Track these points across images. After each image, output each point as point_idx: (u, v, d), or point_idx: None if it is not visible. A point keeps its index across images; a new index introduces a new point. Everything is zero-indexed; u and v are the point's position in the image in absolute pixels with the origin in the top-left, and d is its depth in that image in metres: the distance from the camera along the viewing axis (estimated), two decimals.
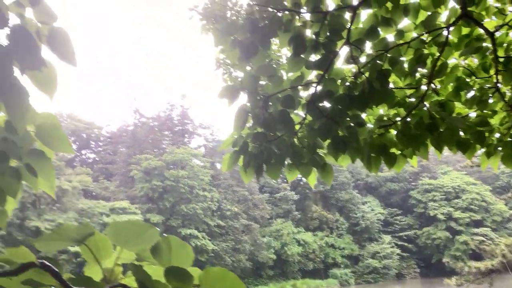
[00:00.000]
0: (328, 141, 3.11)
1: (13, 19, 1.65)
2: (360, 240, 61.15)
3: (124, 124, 57.93)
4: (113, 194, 46.76)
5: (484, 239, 53.44)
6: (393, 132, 3.47)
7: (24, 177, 2.08)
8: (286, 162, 3.28)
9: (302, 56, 2.93)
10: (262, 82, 2.96)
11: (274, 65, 2.82)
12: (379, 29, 2.96)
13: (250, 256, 48.22)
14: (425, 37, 3.09)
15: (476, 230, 59.04)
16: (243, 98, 3.01)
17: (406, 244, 62.66)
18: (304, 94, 3.11)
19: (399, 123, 3.42)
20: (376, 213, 63.72)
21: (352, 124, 3.13)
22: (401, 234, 64.01)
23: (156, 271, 1.30)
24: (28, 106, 1.62)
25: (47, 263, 1.13)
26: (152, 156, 45.90)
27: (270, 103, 2.97)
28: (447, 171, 67.63)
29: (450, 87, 3.41)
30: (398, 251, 60.25)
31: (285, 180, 64.59)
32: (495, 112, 3.58)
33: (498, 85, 3.31)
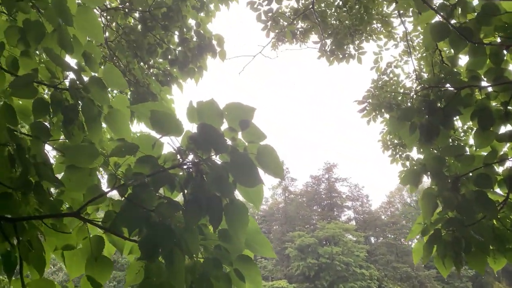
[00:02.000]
0: None
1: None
2: None
3: (275, 201, 60.34)
4: (271, 273, 47.52)
5: None
6: None
7: (233, 282, 2.25)
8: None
9: (490, 129, 2.67)
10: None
11: (461, 143, 2.62)
12: None
13: None
14: None
15: None
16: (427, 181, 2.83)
17: None
18: (500, 169, 2.77)
19: None
20: None
21: None
22: None
23: None
24: (247, 220, 1.79)
25: None
26: (304, 232, 46.02)
27: (461, 184, 2.71)
28: None
29: None
30: None
31: None
32: None
33: None
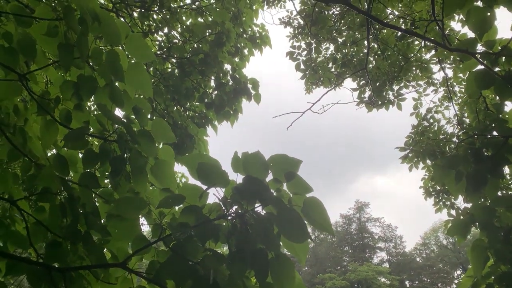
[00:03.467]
0: None
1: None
2: None
3: None
4: None
5: None
6: None
7: None
8: None
9: None
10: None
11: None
12: None
13: None
14: None
15: None
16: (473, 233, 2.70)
17: None
18: None
19: None
20: None
21: None
22: None
23: None
24: (294, 275, 1.75)
25: None
26: (335, 275, 44.32)
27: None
28: None
29: None
30: None
31: None
32: None
33: None
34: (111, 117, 1.92)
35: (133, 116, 2.00)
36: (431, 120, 5.62)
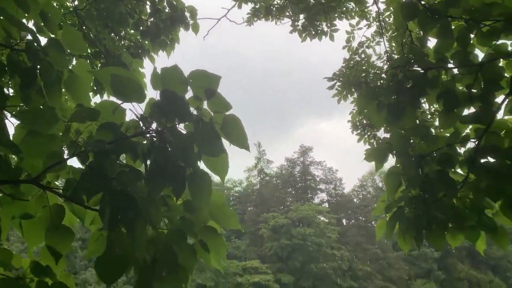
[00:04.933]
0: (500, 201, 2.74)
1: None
2: None
3: (250, 184, 60.77)
4: (245, 253, 48.19)
5: None
6: None
7: (198, 253, 2.25)
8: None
9: (454, 111, 2.73)
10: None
11: (427, 124, 2.68)
12: None
13: None
14: None
15: None
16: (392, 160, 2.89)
17: None
18: (461, 150, 2.86)
19: None
20: None
21: None
22: None
23: None
24: (210, 190, 1.79)
25: None
26: (279, 214, 46.66)
27: (424, 163, 2.78)
28: None
29: None
30: None
31: None
32: None
33: None
34: (16, 23, 1.75)
35: (42, 24, 1.83)
36: (363, 55, 5.78)
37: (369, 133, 5.51)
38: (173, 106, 1.72)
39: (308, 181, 58.29)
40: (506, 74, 2.65)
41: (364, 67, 5.15)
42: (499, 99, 2.77)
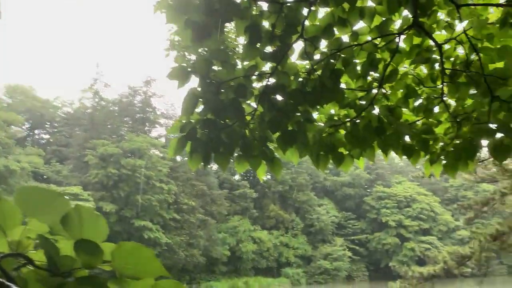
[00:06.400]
0: (278, 134, 3.12)
1: None
2: (314, 241, 62.39)
3: (83, 106, 55.81)
4: (66, 178, 44.97)
5: (430, 246, 56.21)
6: (343, 132, 3.53)
7: None
8: (236, 154, 3.26)
9: (257, 46, 2.91)
10: (215, 67, 2.92)
11: (229, 52, 2.79)
12: (335, 28, 3.00)
13: (204, 252, 47.95)
14: (378, 41, 3.16)
15: (423, 238, 61.96)
16: (195, 82, 2.95)
17: (357, 247, 64.58)
18: (258, 85, 3.11)
19: (348, 124, 3.49)
20: (331, 216, 65.22)
21: (302, 120, 3.17)
22: (353, 237, 65.88)
23: (68, 246, 1.23)
24: None
25: None
26: (110, 142, 44.53)
27: (223, 90, 2.93)
28: (401, 180, 70.27)
29: (400, 93, 3.51)
30: (350, 254, 61.97)
31: (245, 177, 64.78)
32: (440, 122, 3.73)
33: (444, 96, 3.45)
34: None
35: None
36: None
37: (181, 52, 5.50)
38: None
39: (148, 113, 56.77)
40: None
41: None
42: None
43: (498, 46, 3.04)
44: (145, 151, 44.95)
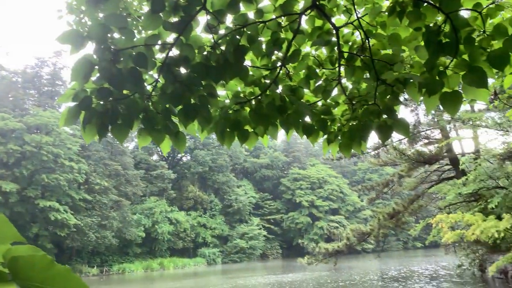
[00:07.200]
0: (180, 107, 3.07)
1: None
2: (231, 221, 63.61)
3: None
4: None
5: (338, 225, 60.66)
6: (248, 109, 3.60)
7: None
8: (138, 127, 3.15)
9: (160, 14, 2.81)
10: (116, 35, 2.76)
11: (132, 20, 2.65)
12: (241, 4, 3.00)
13: (118, 233, 46.25)
14: (282, 20, 3.24)
15: (332, 217, 66.60)
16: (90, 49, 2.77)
17: (272, 226, 67.31)
18: (160, 56, 3.01)
19: (253, 101, 3.56)
20: (249, 197, 66.90)
21: (205, 94, 3.15)
22: (269, 217, 68.47)
23: None
24: None
25: None
26: (11, 116, 40.32)
27: (121, 59, 2.79)
28: (314, 163, 74.28)
29: (302, 74, 3.66)
30: (265, 233, 64.38)
31: (164, 158, 63.27)
32: (338, 104, 3.96)
33: (341, 78, 3.66)
34: None
35: None
36: None
37: (78, 17, 5.10)
38: None
39: (57, 86, 52.21)
40: None
41: None
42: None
43: (389, 34, 3.29)
44: (53, 127, 41.49)
